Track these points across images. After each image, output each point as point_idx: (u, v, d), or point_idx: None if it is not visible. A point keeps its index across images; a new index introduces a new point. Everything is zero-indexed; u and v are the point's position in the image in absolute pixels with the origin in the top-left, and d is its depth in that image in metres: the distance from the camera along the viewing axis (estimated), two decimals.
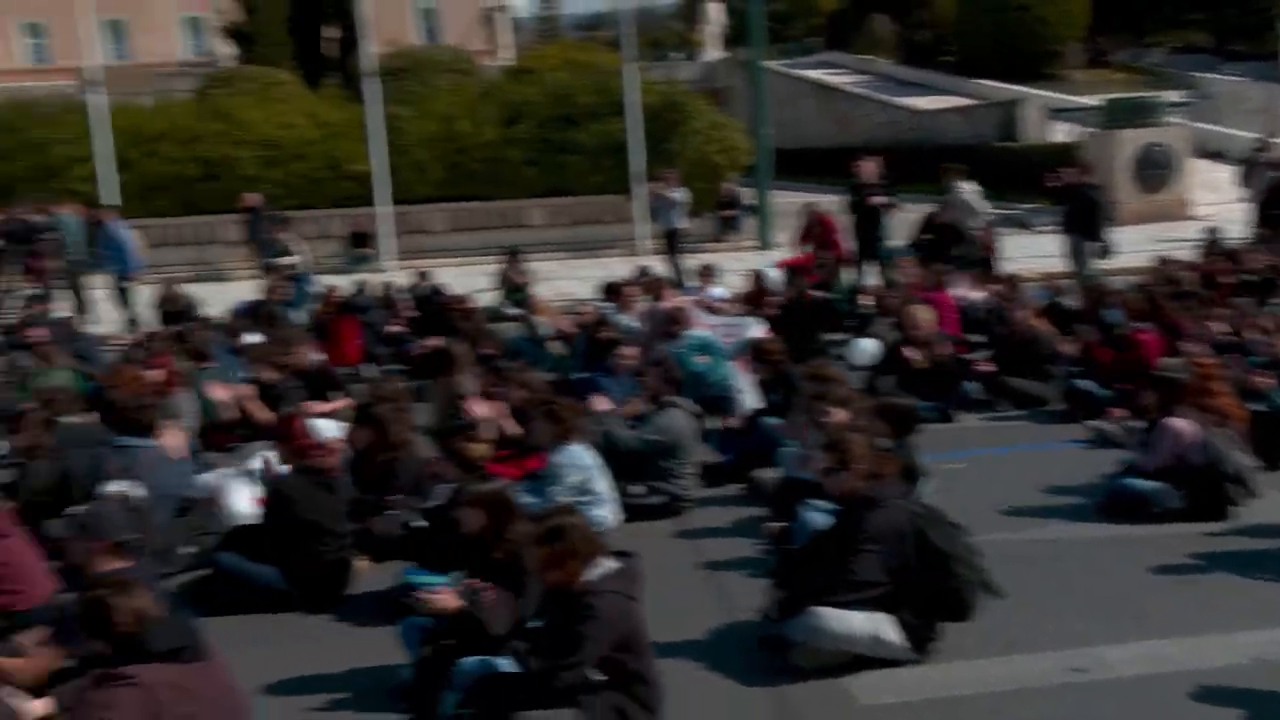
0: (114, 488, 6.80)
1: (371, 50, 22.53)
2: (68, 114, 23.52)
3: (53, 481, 7.42)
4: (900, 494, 6.00)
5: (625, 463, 8.12)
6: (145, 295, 16.11)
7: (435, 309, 14.35)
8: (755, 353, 10.01)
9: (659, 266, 16.98)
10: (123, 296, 16.70)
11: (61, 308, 16.46)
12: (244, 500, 7.91)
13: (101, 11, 24.62)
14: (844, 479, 5.87)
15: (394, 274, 18.69)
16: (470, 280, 17.09)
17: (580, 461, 7.58)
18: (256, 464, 8.38)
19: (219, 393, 9.72)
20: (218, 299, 15.89)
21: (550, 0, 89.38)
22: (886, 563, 5.61)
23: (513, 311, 14.91)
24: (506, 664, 4.97)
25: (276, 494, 6.92)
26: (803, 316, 12.86)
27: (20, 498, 7.30)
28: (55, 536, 6.57)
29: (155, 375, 9.78)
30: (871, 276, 15.86)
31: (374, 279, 16.68)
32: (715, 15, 53.91)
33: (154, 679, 3.94)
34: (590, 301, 14.71)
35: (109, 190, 20.62)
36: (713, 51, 51.56)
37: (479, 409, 8.95)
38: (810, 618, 5.60)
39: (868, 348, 12.00)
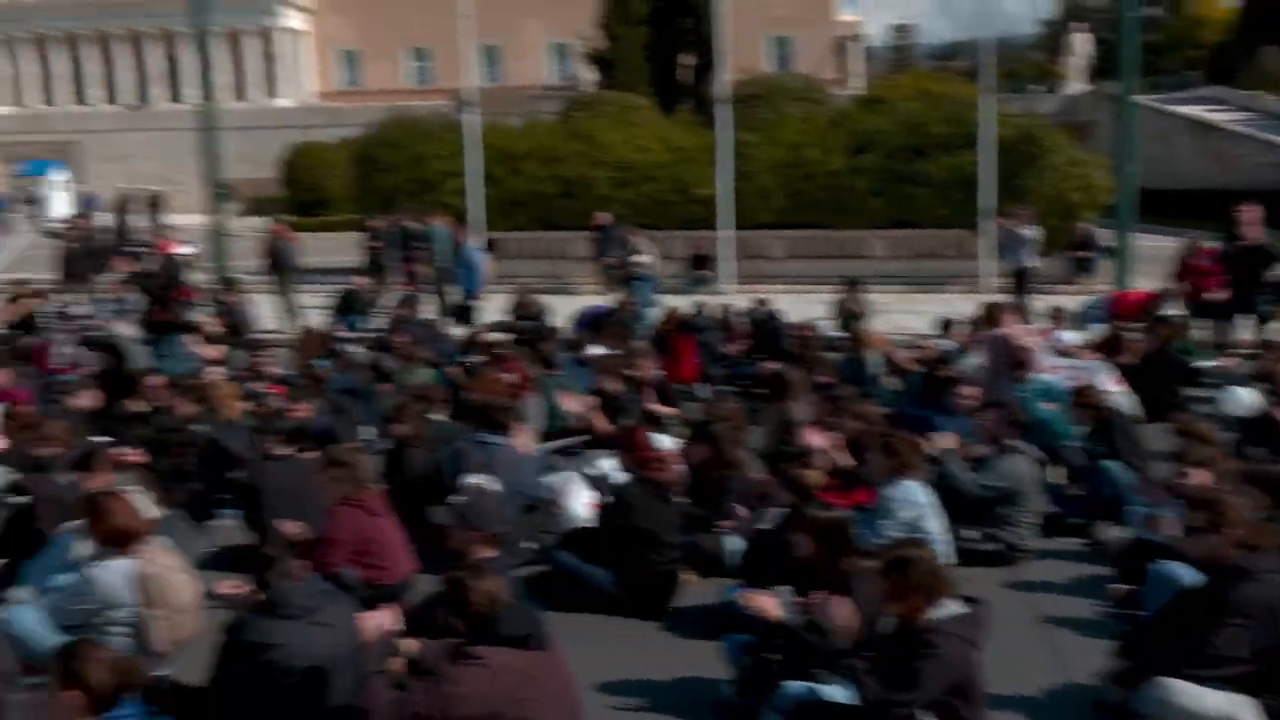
0: (474, 480, 7.28)
1: (725, 77, 23.06)
2: (445, 132, 25.49)
3: (425, 470, 8.04)
4: (1278, 568, 5.47)
5: (961, 505, 7.86)
6: (493, 306, 17.11)
7: (771, 334, 14.46)
8: (1076, 397, 9.44)
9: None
10: (465, 314, 17.81)
11: (427, 311, 17.81)
12: (582, 504, 8.26)
13: (479, 37, 26.49)
14: (1212, 543, 5.41)
15: (731, 297, 18.99)
16: (806, 308, 17.09)
17: (914, 498, 7.41)
18: (596, 470, 8.74)
19: (567, 400, 10.21)
20: (564, 311, 16.68)
21: (905, 30, 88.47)
22: (1254, 640, 5.13)
23: (840, 338, 14.79)
24: (834, 692, 4.91)
25: (617, 501, 7.18)
26: (1163, 368, 11.98)
27: (394, 483, 7.94)
28: (437, 523, 7.06)
29: (510, 378, 10.40)
30: (1245, 331, 14.58)
31: (712, 300, 17.02)
32: (1081, 47, 51.41)
33: (501, 662, 4.18)
34: (928, 337, 14.36)
35: (476, 204, 22.15)
36: (1076, 84, 49.19)
37: (812, 437, 8.92)
38: (1160, 690, 5.20)
39: (1244, 398, 10.99)
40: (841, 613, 5.21)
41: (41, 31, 69.45)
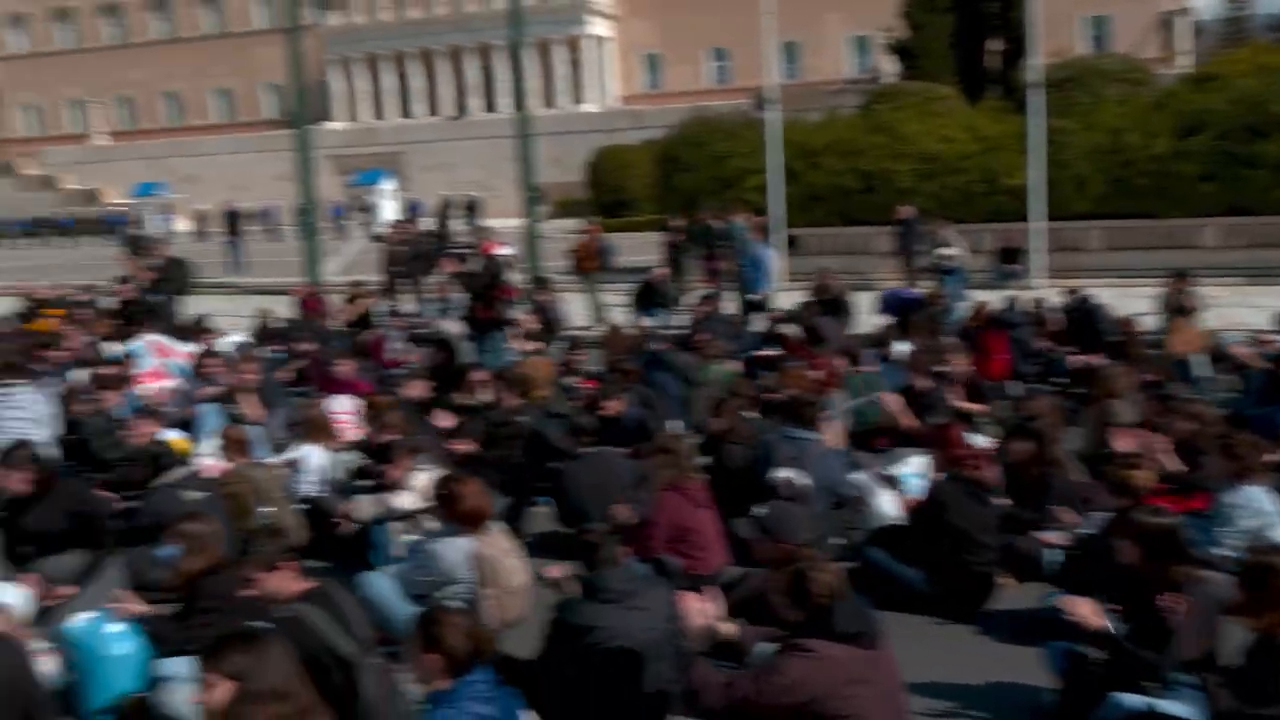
0: (783, 474, 7.32)
1: (1036, 61, 22.06)
2: (745, 130, 25.75)
3: (741, 465, 8.16)
4: None
5: None
6: (788, 302, 17.07)
7: (1085, 319, 13.75)
8: None
9: None
10: (748, 307, 17.81)
11: (729, 308, 18.00)
12: (889, 502, 8.14)
13: (779, 34, 26.57)
14: None
15: (1043, 291, 18.17)
16: (1127, 303, 16.10)
17: (1258, 505, 6.85)
18: (904, 468, 8.59)
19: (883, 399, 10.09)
20: (866, 307, 16.44)
21: (1240, 0, 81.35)
22: None
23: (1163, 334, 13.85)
24: (1172, 706, 4.62)
25: (930, 499, 7.03)
26: None
27: (714, 475, 8.09)
28: (742, 536, 7.18)
29: (817, 374, 10.40)
30: None
31: (1023, 295, 16.35)
32: None
33: (830, 655, 4.19)
34: (1268, 333, 13.24)
35: (776, 201, 22.21)
36: None
37: (1136, 438, 8.42)
38: None
39: None
40: (1187, 616, 4.91)
41: (372, 51, 75.27)
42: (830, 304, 15.31)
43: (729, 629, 5.07)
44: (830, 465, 7.99)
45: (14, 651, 4.31)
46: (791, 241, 22.49)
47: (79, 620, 5.69)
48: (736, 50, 66.99)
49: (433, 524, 7.24)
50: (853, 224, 24.06)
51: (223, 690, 3.82)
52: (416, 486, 7.70)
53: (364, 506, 7.90)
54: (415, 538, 7.23)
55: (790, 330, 14.04)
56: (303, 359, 13.57)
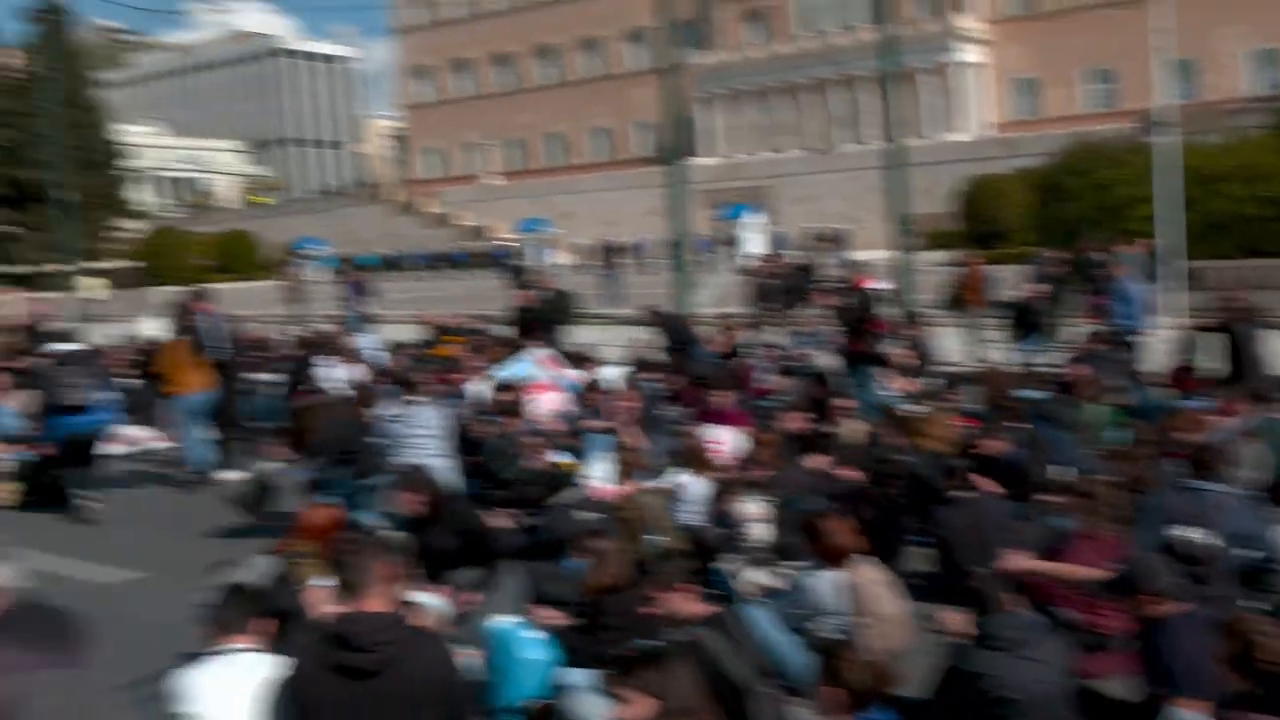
0: (1180, 532, 6.78)
1: None
2: (1131, 155, 24.29)
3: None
4: None
5: None
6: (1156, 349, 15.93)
7: None
8: None
9: None
10: (1127, 350, 16.54)
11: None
12: None
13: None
14: None
15: None
16: None
17: None
18: None
19: None
20: (1274, 348, 14.97)
21: None
22: None
23: None
24: None
25: None
26: None
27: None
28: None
29: (1220, 419, 9.61)
30: None
31: None
32: None
33: None
34: None
35: (1171, 231, 20.74)
36: None
37: None
38: None
39: None
40: None
41: (737, 87, 77.18)
42: (1242, 312, 14.06)
43: (1127, 690, 4.80)
44: (1240, 520, 7.35)
45: (440, 647, 4.73)
46: (1190, 275, 20.95)
47: (499, 621, 6.19)
48: (1119, 71, 63.30)
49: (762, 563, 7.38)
50: (1258, 255, 22.08)
51: (643, 706, 4.04)
52: (753, 515, 7.84)
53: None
54: (760, 579, 7.38)
55: (1194, 361, 13.06)
56: (678, 380, 14.02)
